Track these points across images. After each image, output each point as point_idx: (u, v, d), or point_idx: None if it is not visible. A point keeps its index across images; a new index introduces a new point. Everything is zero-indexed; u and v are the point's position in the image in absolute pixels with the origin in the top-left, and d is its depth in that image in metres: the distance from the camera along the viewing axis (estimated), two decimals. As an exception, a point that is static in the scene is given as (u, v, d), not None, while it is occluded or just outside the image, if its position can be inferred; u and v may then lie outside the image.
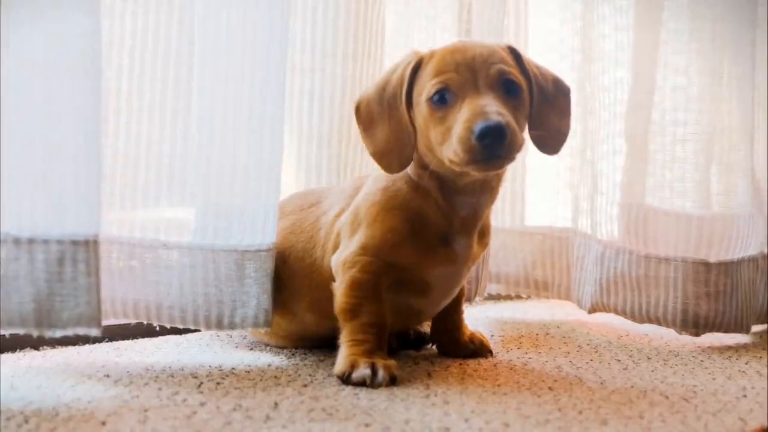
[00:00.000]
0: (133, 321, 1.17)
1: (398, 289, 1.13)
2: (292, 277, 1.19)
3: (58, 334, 0.99)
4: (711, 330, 1.41)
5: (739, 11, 1.45)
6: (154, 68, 1.16)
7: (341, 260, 1.12)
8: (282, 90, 1.16)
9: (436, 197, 1.11)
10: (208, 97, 1.15)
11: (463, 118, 1.01)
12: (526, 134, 1.10)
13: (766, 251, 1.50)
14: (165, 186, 1.17)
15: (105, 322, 1.26)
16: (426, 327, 1.32)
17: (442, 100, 1.05)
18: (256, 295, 1.16)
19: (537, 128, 1.11)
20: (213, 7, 1.14)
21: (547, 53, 1.62)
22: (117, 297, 1.15)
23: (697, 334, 1.42)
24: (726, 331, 1.42)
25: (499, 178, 1.14)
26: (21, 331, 0.99)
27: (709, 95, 1.46)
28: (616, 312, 1.46)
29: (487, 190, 1.13)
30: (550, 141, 1.14)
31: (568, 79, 1.55)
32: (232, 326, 1.16)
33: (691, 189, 1.47)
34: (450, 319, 1.25)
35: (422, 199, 1.12)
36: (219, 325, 1.16)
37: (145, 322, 1.17)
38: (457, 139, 1.01)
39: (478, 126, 0.99)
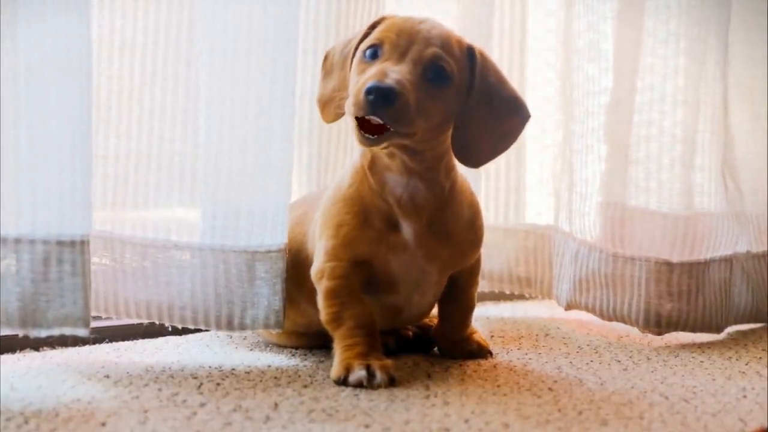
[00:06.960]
0: (146, 321, 1.18)
1: (369, 287, 1.13)
2: (294, 268, 1.19)
3: (44, 334, 0.99)
4: (675, 329, 1.41)
5: (715, 12, 1.45)
6: (165, 68, 1.17)
7: (314, 271, 1.13)
8: (292, 88, 1.16)
9: (368, 175, 1.12)
10: (216, 95, 1.15)
11: (367, 74, 1.03)
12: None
13: (757, 251, 1.51)
14: (177, 185, 1.18)
15: (110, 323, 1.27)
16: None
17: (373, 55, 1.07)
18: (267, 296, 1.16)
19: (459, 129, 1.10)
20: (219, 5, 1.13)
21: (544, 52, 1.62)
22: (130, 297, 1.15)
23: (659, 333, 1.42)
24: (692, 331, 1.42)
25: (424, 163, 1.10)
26: (6, 331, 1.00)
27: (684, 98, 1.45)
28: (587, 310, 1.47)
29: (414, 173, 1.10)
30: (470, 151, 1.11)
31: (554, 76, 1.58)
32: (242, 327, 1.17)
33: (668, 189, 1.46)
34: (454, 326, 1.24)
35: (360, 182, 1.12)
36: (230, 326, 1.16)
37: (146, 322, 1.18)
38: (353, 90, 1.03)
39: (370, 83, 1.00)
